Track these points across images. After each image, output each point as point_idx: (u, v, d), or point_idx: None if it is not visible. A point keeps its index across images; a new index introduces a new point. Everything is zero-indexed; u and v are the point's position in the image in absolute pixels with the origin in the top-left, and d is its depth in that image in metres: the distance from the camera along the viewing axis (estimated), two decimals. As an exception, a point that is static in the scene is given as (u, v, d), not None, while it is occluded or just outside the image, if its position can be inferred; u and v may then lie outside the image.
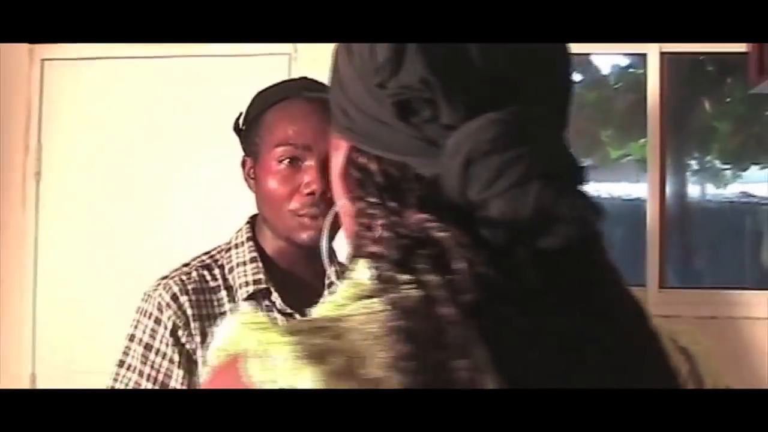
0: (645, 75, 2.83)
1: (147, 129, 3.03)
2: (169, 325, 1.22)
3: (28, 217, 3.05)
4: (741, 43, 2.32)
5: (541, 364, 0.51)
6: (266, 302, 1.27)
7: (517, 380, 0.49)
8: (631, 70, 3.82)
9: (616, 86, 3.95)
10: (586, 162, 0.56)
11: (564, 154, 0.56)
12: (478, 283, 0.50)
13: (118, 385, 1.23)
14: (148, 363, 1.22)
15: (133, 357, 1.23)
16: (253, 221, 1.33)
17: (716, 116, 4.07)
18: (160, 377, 1.21)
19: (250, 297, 1.26)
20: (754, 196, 3.94)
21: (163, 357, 1.22)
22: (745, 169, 4.13)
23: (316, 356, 0.51)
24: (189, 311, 1.23)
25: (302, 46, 2.97)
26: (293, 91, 1.27)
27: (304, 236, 1.23)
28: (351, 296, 0.57)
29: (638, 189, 3.26)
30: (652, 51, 2.78)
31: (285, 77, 2.77)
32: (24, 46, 3.02)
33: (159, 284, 1.26)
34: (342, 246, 0.69)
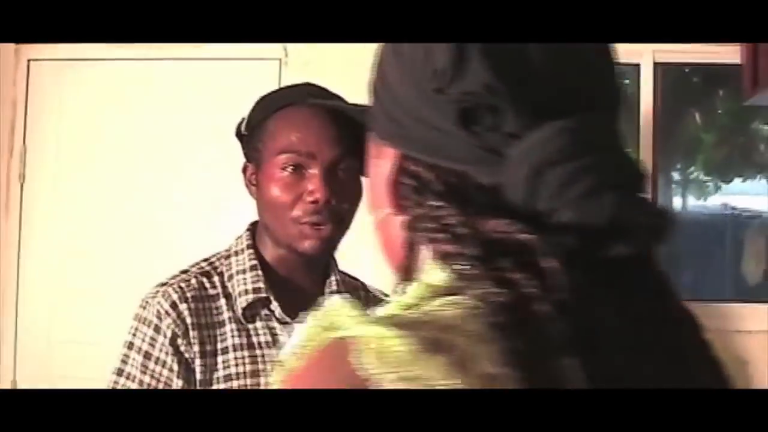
0: (636, 86, 2.82)
1: (134, 132, 3.00)
2: (169, 334, 1.20)
3: (11, 221, 3.00)
4: (735, 48, 2.32)
5: (614, 366, 0.52)
6: (265, 311, 1.25)
7: (600, 381, 0.50)
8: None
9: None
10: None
11: (630, 162, 0.56)
12: (569, 283, 0.50)
13: None
14: (148, 372, 1.20)
15: (132, 366, 1.21)
16: (253, 228, 1.31)
17: (704, 128, 4.09)
18: (160, 386, 1.19)
19: (249, 305, 1.24)
20: (735, 208, 3.97)
21: (163, 366, 1.19)
22: (728, 181, 4.15)
23: (432, 348, 0.49)
24: (188, 320, 1.21)
25: (293, 51, 2.96)
26: (297, 98, 1.24)
27: (306, 245, 1.21)
28: (423, 295, 0.56)
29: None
30: (646, 62, 2.78)
31: (275, 81, 2.86)
32: (10, 46, 2.99)
33: (158, 291, 1.23)
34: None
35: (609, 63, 0.59)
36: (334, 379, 0.50)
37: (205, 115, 2.93)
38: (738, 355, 0.63)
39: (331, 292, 1.28)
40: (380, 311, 0.57)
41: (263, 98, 1.29)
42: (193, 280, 1.25)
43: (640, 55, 2.79)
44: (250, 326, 1.23)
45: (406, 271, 0.60)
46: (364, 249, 3.01)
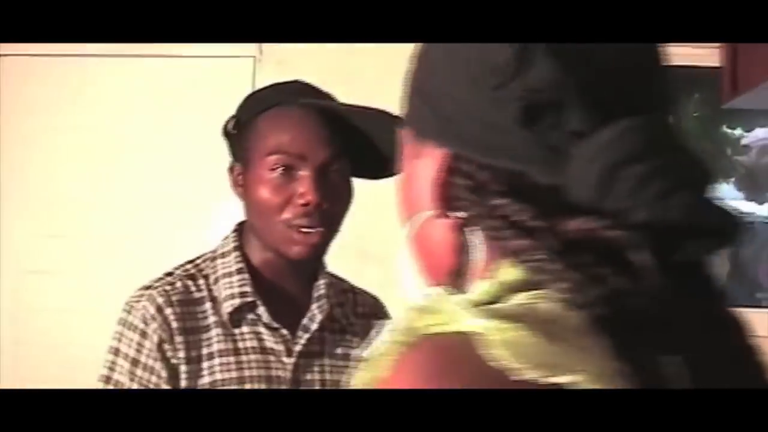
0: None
1: (107, 129, 2.95)
2: (155, 339, 1.16)
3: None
4: (712, 50, 2.33)
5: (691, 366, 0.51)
6: (251, 315, 1.21)
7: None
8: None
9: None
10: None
11: (699, 161, 0.55)
12: (661, 279, 0.49)
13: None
14: (136, 379, 1.16)
15: (119, 373, 1.17)
16: (240, 229, 1.27)
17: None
18: None
19: (235, 310, 1.20)
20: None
21: (151, 372, 1.16)
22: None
23: (551, 339, 0.48)
24: (174, 324, 1.17)
25: (268, 49, 2.93)
26: (288, 97, 1.21)
27: (296, 249, 1.18)
28: (497, 293, 0.54)
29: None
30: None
31: (250, 80, 2.83)
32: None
33: (142, 295, 1.19)
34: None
35: (662, 62, 0.58)
36: (466, 372, 0.49)
37: (180, 112, 2.90)
38: None
39: (320, 296, 1.25)
40: (471, 307, 0.54)
41: (252, 96, 1.25)
42: (178, 283, 1.21)
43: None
44: (236, 331, 1.20)
45: (457, 275, 0.58)
46: (349, 250, 2.96)
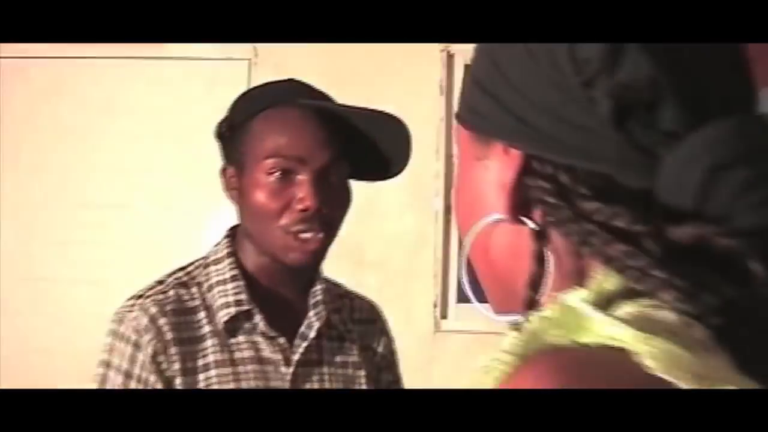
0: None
1: (100, 132, 2.93)
2: (149, 351, 1.11)
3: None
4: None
5: None
6: (248, 324, 1.17)
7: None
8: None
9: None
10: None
11: None
12: None
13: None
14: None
15: (112, 386, 1.12)
16: (232, 234, 1.22)
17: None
18: None
19: (231, 319, 1.16)
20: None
21: (145, 384, 1.10)
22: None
23: (693, 350, 0.45)
24: (168, 335, 1.12)
25: (263, 51, 2.90)
26: (284, 97, 1.16)
27: (294, 256, 1.14)
28: (596, 302, 0.50)
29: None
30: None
31: (245, 82, 2.79)
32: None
33: (134, 305, 1.14)
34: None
35: (745, 62, 0.55)
36: (622, 382, 0.45)
37: (174, 114, 2.87)
38: None
39: (316, 302, 1.21)
40: (535, 318, 0.51)
41: (246, 96, 1.20)
42: (171, 292, 1.16)
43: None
44: (232, 340, 1.15)
45: (532, 286, 0.54)
46: (346, 256, 2.92)
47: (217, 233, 1.25)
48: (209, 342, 1.14)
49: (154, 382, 1.10)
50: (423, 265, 2.94)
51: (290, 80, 1.21)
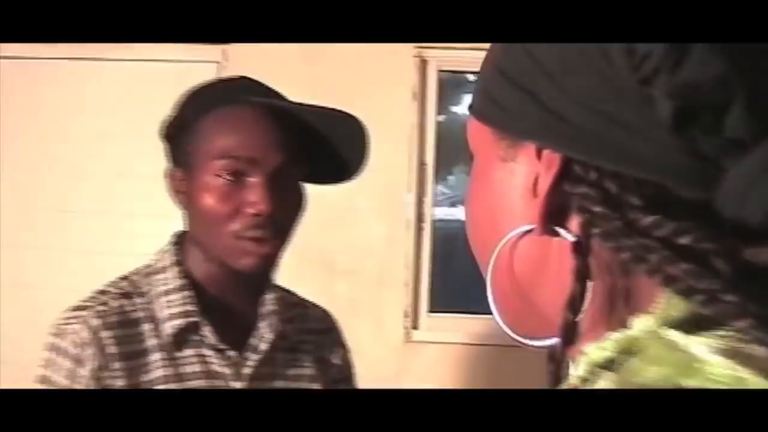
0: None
1: (61, 134, 2.88)
2: (90, 366, 1.04)
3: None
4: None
5: None
6: (195, 337, 1.10)
7: None
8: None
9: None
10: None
11: None
12: None
13: None
14: None
15: None
16: (179, 240, 1.15)
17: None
18: None
19: (178, 331, 1.08)
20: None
21: None
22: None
23: None
24: (111, 349, 1.05)
25: (232, 53, 2.84)
26: (236, 95, 1.08)
27: (246, 263, 1.07)
28: (654, 330, 0.44)
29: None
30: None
31: None
32: None
33: (73, 317, 1.07)
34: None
35: None
36: None
37: (141, 116, 2.81)
38: None
39: (268, 312, 1.14)
40: (600, 349, 0.46)
41: (194, 94, 1.13)
42: (114, 303, 1.09)
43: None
44: (179, 354, 1.08)
45: (572, 307, 0.47)
46: (315, 265, 2.85)
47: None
48: (155, 356, 1.07)
49: None
50: (394, 274, 2.88)
51: (242, 77, 1.14)
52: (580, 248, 0.46)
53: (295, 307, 1.22)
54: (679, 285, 0.43)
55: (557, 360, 0.49)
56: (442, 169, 3.20)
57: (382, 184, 2.84)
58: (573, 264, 0.47)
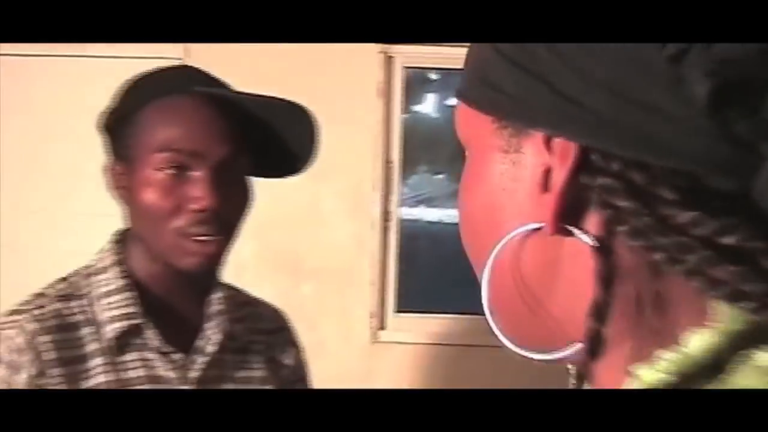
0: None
1: (29, 130, 2.85)
2: (27, 373, 0.99)
3: None
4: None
5: None
6: (138, 340, 1.05)
7: None
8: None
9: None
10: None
11: None
12: None
13: None
14: None
15: None
16: (120, 239, 1.10)
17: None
18: None
19: (120, 334, 1.03)
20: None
21: None
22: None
23: None
24: (49, 354, 1.00)
25: (195, 51, 2.78)
26: (178, 85, 1.03)
27: (190, 261, 1.02)
28: (716, 348, 0.40)
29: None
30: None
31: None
32: None
33: (7, 322, 1.01)
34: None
35: None
36: None
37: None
38: None
39: (215, 312, 1.09)
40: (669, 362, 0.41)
41: (134, 84, 1.07)
42: (51, 306, 1.03)
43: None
44: (122, 359, 1.03)
45: (601, 313, 0.42)
46: (281, 266, 2.79)
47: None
48: (96, 361, 1.03)
49: None
50: (361, 273, 2.84)
51: (185, 66, 1.10)
52: (603, 249, 0.42)
53: (244, 306, 1.17)
54: (723, 288, 0.39)
55: (582, 377, 0.44)
56: (406, 169, 3.15)
57: (347, 183, 2.79)
58: (595, 266, 0.42)
